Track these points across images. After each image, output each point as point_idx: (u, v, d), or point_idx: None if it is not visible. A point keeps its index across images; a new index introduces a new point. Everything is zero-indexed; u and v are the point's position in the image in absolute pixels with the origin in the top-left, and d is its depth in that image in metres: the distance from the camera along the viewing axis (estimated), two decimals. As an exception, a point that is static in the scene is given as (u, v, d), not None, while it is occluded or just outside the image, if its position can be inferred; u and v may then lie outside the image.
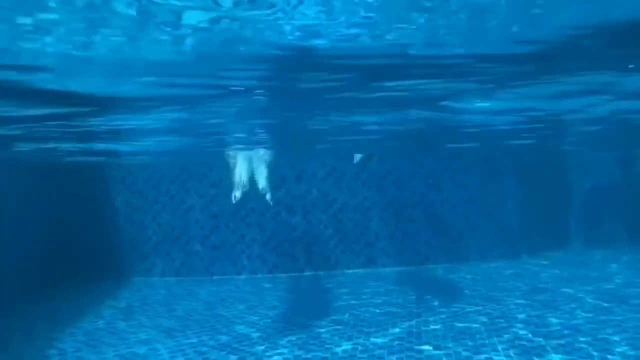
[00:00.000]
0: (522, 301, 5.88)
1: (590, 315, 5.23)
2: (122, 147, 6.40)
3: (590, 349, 4.31)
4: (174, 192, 8.28)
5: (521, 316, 5.30)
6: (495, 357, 4.22)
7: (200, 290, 7.33)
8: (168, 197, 8.29)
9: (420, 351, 4.46)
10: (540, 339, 4.58)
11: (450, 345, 4.56)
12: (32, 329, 5.66)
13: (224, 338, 5.13)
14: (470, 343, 4.58)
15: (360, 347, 4.63)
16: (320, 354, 4.50)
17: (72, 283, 7.50)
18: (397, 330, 5.07)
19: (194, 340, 5.12)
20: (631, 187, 9.12)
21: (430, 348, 4.52)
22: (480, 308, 5.67)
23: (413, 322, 5.29)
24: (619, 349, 4.27)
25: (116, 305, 6.65)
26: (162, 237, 8.34)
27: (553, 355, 4.20)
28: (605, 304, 5.58)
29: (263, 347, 4.77)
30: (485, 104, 4.62)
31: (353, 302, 6.25)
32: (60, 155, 7.22)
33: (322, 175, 8.19)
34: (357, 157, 7.42)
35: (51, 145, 5.84)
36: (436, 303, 5.97)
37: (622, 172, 9.29)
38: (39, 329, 5.68)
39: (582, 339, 4.56)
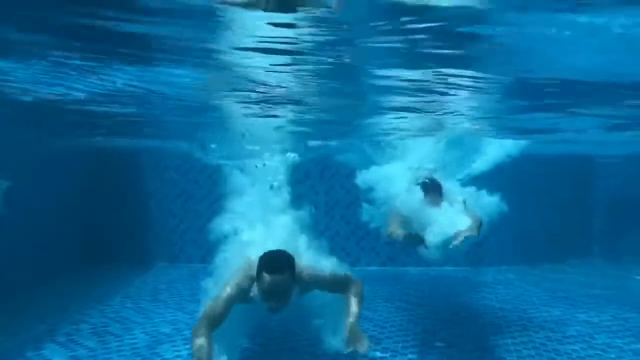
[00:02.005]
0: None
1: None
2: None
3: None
4: (202, 181, 8.56)
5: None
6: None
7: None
8: (197, 186, 8.58)
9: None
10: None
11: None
12: (66, 305, 5.99)
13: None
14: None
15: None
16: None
17: (102, 265, 7.84)
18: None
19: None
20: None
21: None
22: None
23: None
24: None
25: (143, 287, 6.96)
26: (188, 225, 8.64)
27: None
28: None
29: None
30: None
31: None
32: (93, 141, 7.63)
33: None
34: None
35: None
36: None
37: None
38: (72, 305, 6.01)
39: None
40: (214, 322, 3.58)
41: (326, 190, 8.39)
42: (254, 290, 3.65)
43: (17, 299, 5.92)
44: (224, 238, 4.75)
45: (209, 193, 8.32)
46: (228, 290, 3.69)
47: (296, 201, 5.23)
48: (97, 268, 7.68)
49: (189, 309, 5.88)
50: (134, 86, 4.06)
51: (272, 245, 4.29)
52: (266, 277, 3.46)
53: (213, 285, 4.01)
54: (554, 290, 6.40)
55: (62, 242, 7.40)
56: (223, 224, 5.00)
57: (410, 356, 4.54)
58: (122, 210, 8.55)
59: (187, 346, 4.51)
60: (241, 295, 3.70)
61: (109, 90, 4.23)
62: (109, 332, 5.15)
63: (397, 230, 4.97)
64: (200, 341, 3.43)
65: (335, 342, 4.04)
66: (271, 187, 5.35)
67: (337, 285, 4.02)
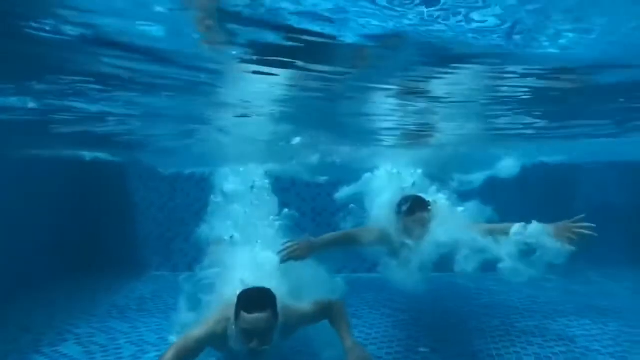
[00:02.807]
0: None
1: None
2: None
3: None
4: (188, 190, 8.57)
5: None
6: None
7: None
8: (183, 194, 8.60)
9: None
10: None
11: None
12: (51, 315, 5.97)
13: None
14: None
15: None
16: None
17: (88, 274, 7.80)
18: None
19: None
20: None
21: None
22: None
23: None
24: None
25: (130, 296, 6.95)
26: (175, 234, 8.64)
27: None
28: None
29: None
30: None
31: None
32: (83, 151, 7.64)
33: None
34: None
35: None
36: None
37: None
38: (57, 314, 5.99)
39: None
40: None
41: (313, 197, 8.46)
42: (232, 332, 3.38)
43: (0, 308, 5.88)
44: (210, 246, 4.80)
45: (195, 201, 8.34)
46: (198, 332, 3.43)
47: (282, 208, 5.32)
48: (83, 277, 7.64)
49: (175, 318, 5.89)
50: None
51: (259, 250, 4.36)
52: (245, 316, 3.22)
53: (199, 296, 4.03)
54: (536, 297, 6.51)
55: (46, 251, 7.37)
56: (209, 232, 5.06)
57: (394, 362, 4.60)
58: (108, 219, 8.53)
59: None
60: (214, 338, 3.46)
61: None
62: (94, 342, 5.15)
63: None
64: None
65: None
66: (252, 187, 5.40)
67: (321, 314, 3.91)
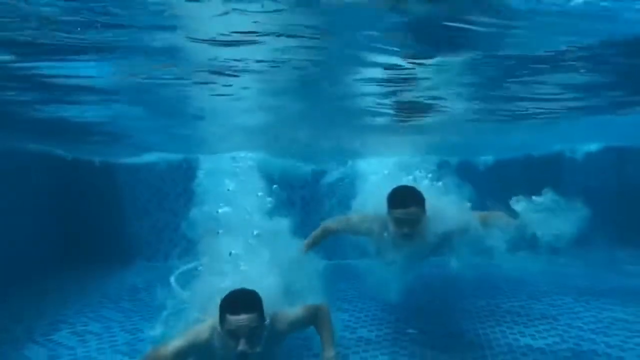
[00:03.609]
0: None
1: None
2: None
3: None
4: (178, 180, 8.60)
5: None
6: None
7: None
8: (173, 184, 8.62)
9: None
10: None
11: None
12: (43, 306, 6.00)
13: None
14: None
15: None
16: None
17: (80, 265, 7.82)
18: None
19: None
20: None
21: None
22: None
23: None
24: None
25: (122, 286, 6.99)
26: (164, 224, 8.68)
27: None
28: None
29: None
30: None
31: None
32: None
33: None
34: None
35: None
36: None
37: None
38: (50, 305, 6.02)
39: None
40: None
41: (302, 185, 8.53)
42: (218, 338, 3.26)
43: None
44: (200, 236, 4.86)
45: (184, 191, 8.37)
46: (178, 342, 3.29)
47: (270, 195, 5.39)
48: (75, 269, 7.67)
49: (167, 306, 5.96)
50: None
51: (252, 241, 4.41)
52: (231, 318, 3.09)
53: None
54: (521, 279, 6.67)
55: (36, 243, 7.39)
56: (199, 222, 5.12)
57: (384, 343, 4.73)
58: (98, 211, 8.54)
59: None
60: (196, 348, 3.33)
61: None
62: (88, 330, 5.21)
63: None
64: None
65: None
66: (235, 174, 5.41)
67: (309, 319, 3.79)
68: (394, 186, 4.29)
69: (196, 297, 4.00)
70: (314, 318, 3.79)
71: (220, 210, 5.02)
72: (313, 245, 4.73)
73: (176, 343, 3.28)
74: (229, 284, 3.54)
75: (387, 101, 4.95)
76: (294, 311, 3.69)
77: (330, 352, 3.74)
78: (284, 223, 4.77)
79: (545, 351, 4.35)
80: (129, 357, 4.53)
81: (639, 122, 6.24)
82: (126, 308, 5.98)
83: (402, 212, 4.02)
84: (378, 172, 6.61)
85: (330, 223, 4.84)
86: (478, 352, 4.43)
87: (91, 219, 8.47)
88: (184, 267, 4.66)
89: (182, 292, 4.59)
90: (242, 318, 3.07)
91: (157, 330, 4.13)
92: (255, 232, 4.58)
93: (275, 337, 3.50)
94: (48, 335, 5.08)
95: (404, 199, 4.06)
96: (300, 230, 4.82)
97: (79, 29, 2.85)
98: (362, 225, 4.52)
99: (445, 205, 4.40)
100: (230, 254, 4.41)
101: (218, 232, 4.76)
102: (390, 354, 4.47)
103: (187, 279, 4.47)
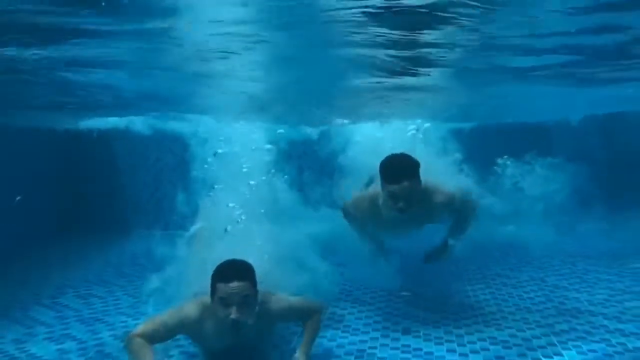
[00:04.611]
0: None
1: None
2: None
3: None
4: (176, 150, 8.69)
5: None
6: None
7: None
8: (171, 155, 8.73)
9: None
10: None
11: None
12: (47, 272, 6.20)
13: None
14: None
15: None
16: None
17: (80, 235, 8.02)
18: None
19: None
20: None
21: None
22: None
23: None
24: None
25: (123, 254, 7.17)
26: (163, 194, 8.81)
27: None
28: None
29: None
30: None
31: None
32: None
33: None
34: None
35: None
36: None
37: None
38: (54, 271, 6.22)
39: None
40: (150, 338, 3.21)
41: (298, 155, 8.63)
42: (208, 316, 3.22)
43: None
44: (199, 205, 4.98)
45: (182, 161, 8.46)
46: (167, 317, 3.28)
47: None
48: (76, 238, 7.86)
49: (168, 272, 6.13)
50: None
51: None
52: (223, 286, 3.03)
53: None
54: (511, 244, 6.87)
55: (37, 213, 7.52)
56: (198, 191, 5.23)
57: (378, 305, 4.92)
58: (97, 181, 8.68)
59: (170, 304, 4.77)
60: (186, 326, 3.29)
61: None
62: (92, 294, 5.40)
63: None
64: (139, 341, 3.16)
65: None
66: (215, 154, 5.47)
67: (304, 312, 3.61)
68: (388, 155, 4.04)
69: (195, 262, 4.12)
70: (308, 315, 3.59)
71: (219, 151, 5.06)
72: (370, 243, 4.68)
73: (164, 318, 3.26)
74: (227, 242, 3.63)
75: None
76: (292, 298, 3.57)
77: (305, 356, 3.54)
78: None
79: (531, 310, 4.55)
80: (132, 319, 4.70)
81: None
82: (128, 273, 6.16)
83: (396, 188, 3.82)
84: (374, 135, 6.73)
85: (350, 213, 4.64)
86: (468, 312, 4.62)
87: (90, 189, 8.61)
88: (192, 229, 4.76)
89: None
90: (234, 285, 3.01)
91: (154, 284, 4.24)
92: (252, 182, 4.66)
93: (267, 317, 3.39)
94: (54, 299, 5.26)
95: (398, 174, 3.83)
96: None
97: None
98: (365, 204, 4.42)
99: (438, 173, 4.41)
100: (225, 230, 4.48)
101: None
102: (383, 315, 4.66)
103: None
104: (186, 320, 3.25)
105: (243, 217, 4.50)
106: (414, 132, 5.79)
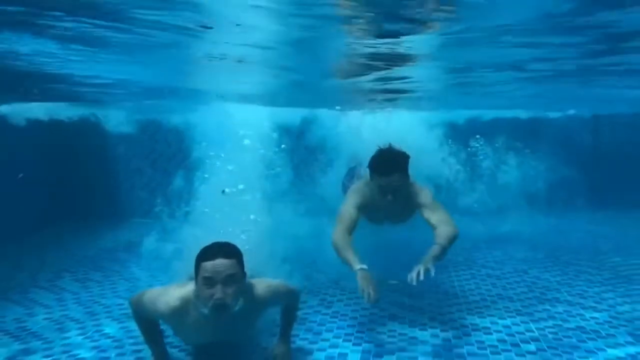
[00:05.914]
0: None
1: None
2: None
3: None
4: (171, 139, 8.81)
5: None
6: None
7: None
8: (165, 144, 8.84)
9: None
10: None
11: None
12: (43, 256, 6.34)
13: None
14: None
15: None
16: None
17: (76, 222, 8.16)
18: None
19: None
20: None
21: None
22: None
23: None
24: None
25: (118, 241, 7.30)
26: (158, 183, 8.93)
27: None
28: None
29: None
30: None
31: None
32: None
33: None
34: None
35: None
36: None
37: None
38: (50, 255, 6.35)
39: None
40: (139, 318, 3.29)
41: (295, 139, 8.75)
42: (190, 305, 3.02)
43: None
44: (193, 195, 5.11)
45: (178, 151, 8.60)
46: (147, 300, 3.14)
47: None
48: (71, 225, 7.97)
49: (163, 259, 6.27)
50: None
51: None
52: (207, 264, 2.83)
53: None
54: (497, 238, 7.08)
55: (33, 200, 7.63)
56: (192, 180, 5.35)
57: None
58: (92, 170, 8.77)
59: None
60: (165, 316, 3.11)
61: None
62: (89, 278, 5.53)
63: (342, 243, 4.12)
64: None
65: None
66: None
67: (284, 296, 3.48)
68: (379, 148, 4.14)
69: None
70: (287, 297, 3.49)
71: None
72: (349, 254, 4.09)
73: (145, 300, 3.14)
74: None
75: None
76: (273, 281, 3.42)
77: (283, 344, 3.54)
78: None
79: (513, 299, 4.75)
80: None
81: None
82: (123, 259, 6.30)
83: (385, 180, 3.93)
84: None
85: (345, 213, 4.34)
86: (452, 300, 4.81)
87: (85, 177, 8.71)
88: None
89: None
90: (219, 262, 2.81)
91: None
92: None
93: (254, 303, 3.18)
94: (52, 282, 5.40)
95: (387, 167, 3.92)
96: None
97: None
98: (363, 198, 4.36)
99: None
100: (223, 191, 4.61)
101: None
102: (372, 301, 4.83)
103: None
104: (165, 308, 3.02)
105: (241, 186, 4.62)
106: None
